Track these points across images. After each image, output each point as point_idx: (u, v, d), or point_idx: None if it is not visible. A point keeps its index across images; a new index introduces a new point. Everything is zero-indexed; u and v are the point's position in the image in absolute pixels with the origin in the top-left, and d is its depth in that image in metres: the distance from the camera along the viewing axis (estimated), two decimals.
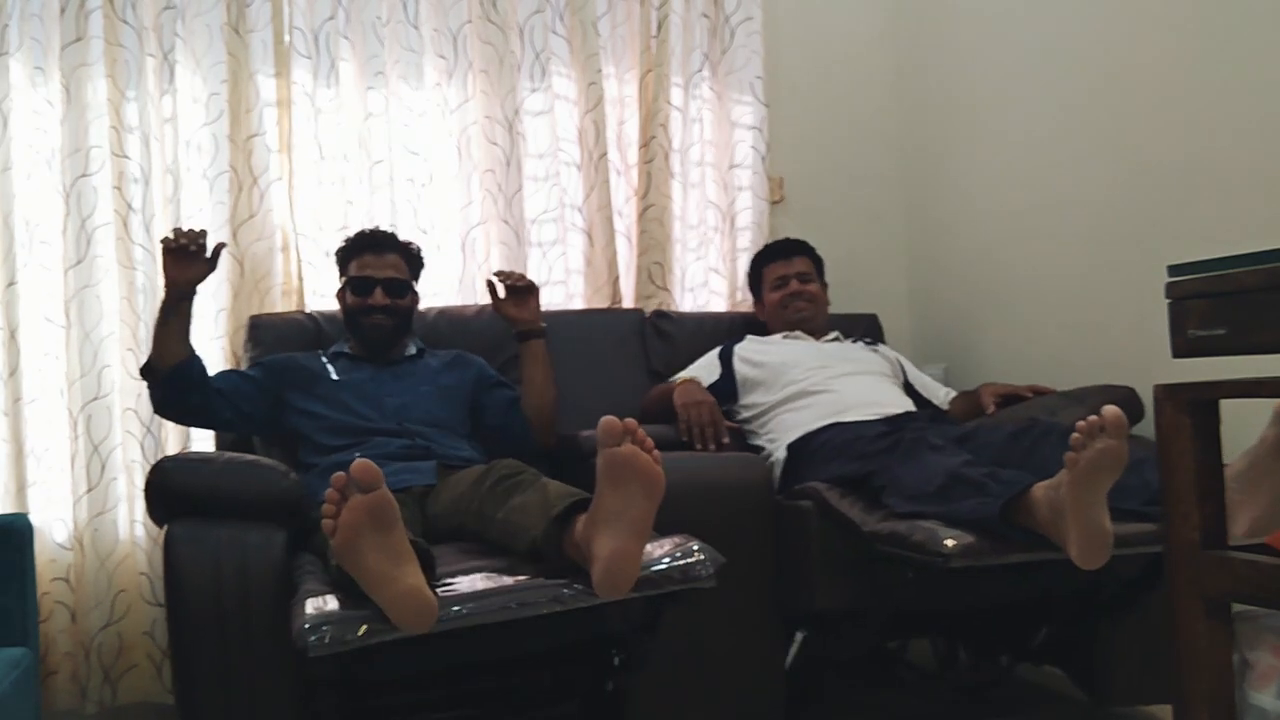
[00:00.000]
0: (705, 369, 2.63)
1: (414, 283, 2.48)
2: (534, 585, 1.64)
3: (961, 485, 1.84)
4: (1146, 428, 1.77)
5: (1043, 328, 2.71)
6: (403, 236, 2.53)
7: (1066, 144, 2.61)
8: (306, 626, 1.52)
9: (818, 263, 2.84)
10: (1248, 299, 1.28)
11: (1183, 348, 1.37)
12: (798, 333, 2.72)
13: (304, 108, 2.74)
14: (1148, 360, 2.07)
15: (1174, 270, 1.39)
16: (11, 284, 2.54)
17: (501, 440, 2.38)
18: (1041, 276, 2.72)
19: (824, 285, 2.83)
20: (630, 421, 1.60)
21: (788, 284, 2.75)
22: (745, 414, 2.56)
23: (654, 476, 1.59)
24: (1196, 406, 1.37)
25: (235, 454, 2.14)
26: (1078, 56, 2.57)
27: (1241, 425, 1.48)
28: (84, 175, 2.59)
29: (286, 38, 2.74)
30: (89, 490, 2.53)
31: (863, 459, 2.09)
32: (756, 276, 2.85)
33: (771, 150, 3.09)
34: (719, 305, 3.06)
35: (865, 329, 2.91)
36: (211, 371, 2.29)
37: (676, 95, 3.01)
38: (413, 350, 2.47)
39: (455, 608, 1.56)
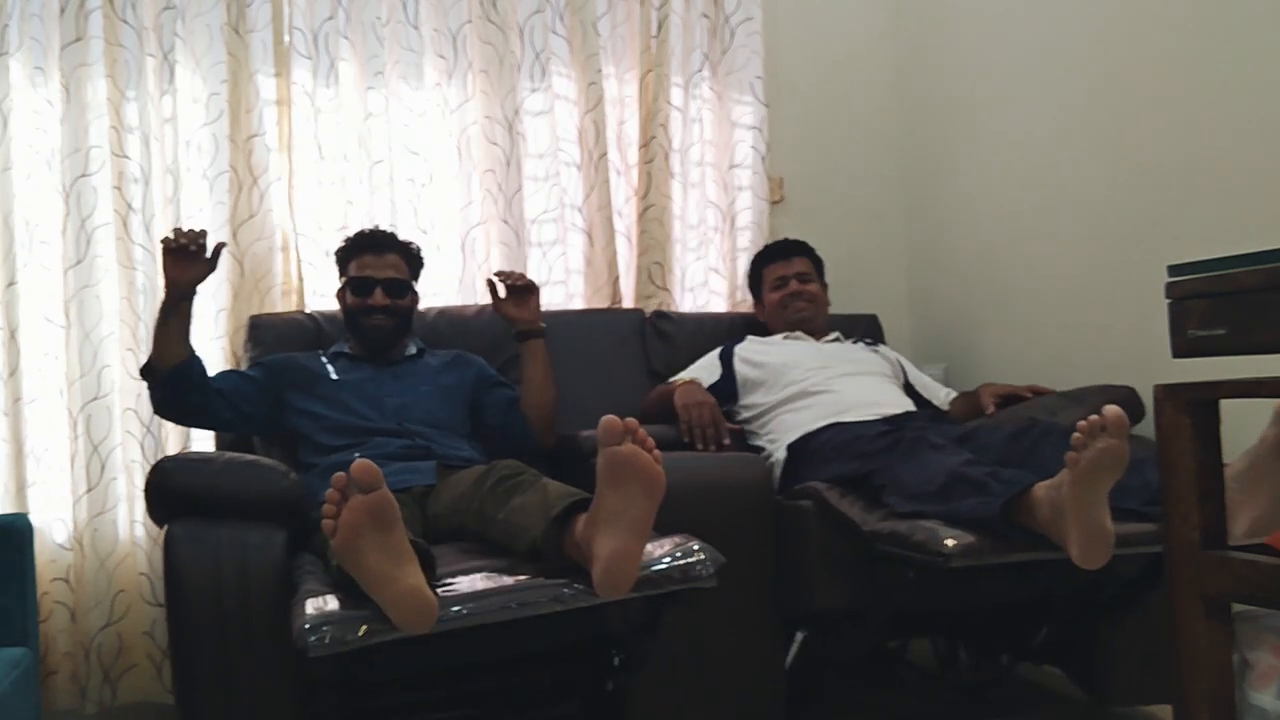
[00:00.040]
0: (706, 369, 2.63)
1: (414, 283, 2.48)
2: (534, 585, 1.64)
3: (962, 484, 1.84)
4: (1146, 428, 1.77)
5: (1043, 328, 2.71)
6: (403, 236, 2.53)
7: (1066, 144, 2.61)
8: (307, 626, 1.52)
9: (817, 263, 2.84)
10: (1248, 299, 1.28)
11: (1183, 348, 1.37)
12: (798, 333, 2.72)
13: (304, 108, 2.74)
14: (1148, 360, 2.07)
15: (1174, 270, 1.39)
16: (11, 284, 2.54)
17: (501, 440, 2.38)
18: (1041, 276, 2.72)
19: (824, 285, 2.83)
20: (631, 421, 1.60)
21: (787, 284, 2.75)
22: (745, 414, 2.56)
23: (655, 476, 1.59)
24: (1196, 406, 1.37)
25: (235, 454, 2.14)
26: (1078, 56, 2.57)
27: (1241, 425, 1.48)
28: (84, 175, 2.59)
29: (286, 38, 2.74)
30: (89, 490, 2.53)
31: (863, 458, 2.09)
32: (756, 277, 2.85)
33: (771, 150, 3.09)
34: (719, 305, 3.06)
35: (865, 329, 2.91)
36: (211, 371, 2.30)
37: (676, 95, 3.01)
38: (413, 350, 2.47)
39: (455, 608, 1.56)
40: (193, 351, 2.23)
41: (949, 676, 2.59)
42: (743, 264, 3.01)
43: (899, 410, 2.42)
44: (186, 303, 2.19)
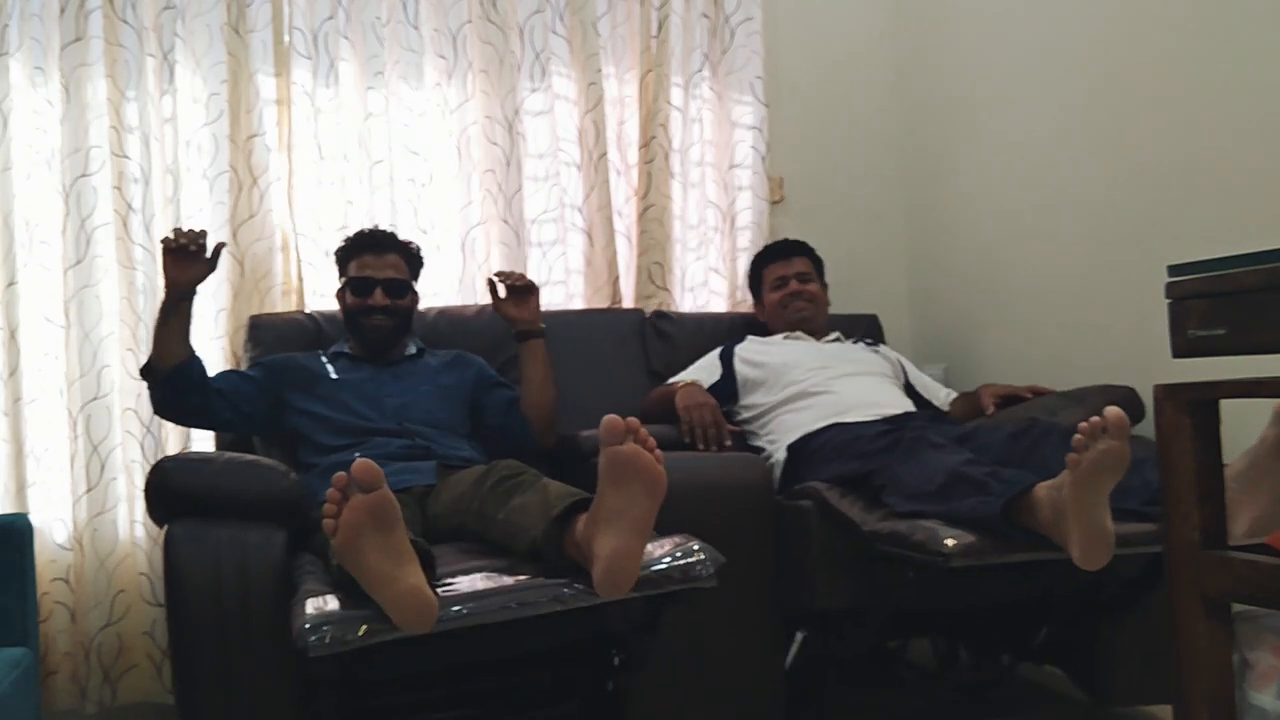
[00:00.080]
0: (706, 370, 2.63)
1: (414, 283, 2.48)
2: (534, 585, 1.64)
3: (963, 484, 1.84)
4: (1147, 428, 1.77)
5: (1043, 328, 2.71)
6: (403, 236, 2.53)
7: (1066, 144, 2.61)
8: (307, 626, 1.52)
9: (817, 263, 2.84)
10: (1248, 299, 1.28)
11: (1183, 348, 1.37)
12: (798, 333, 2.72)
13: (304, 108, 2.74)
14: (1148, 360, 2.07)
15: (1174, 270, 1.39)
16: (11, 284, 2.54)
17: (501, 440, 2.38)
18: (1041, 276, 2.72)
19: (824, 285, 2.83)
20: (633, 420, 1.59)
21: (787, 284, 2.75)
22: (745, 414, 2.56)
23: (656, 476, 1.59)
24: (1196, 406, 1.37)
25: (235, 454, 2.14)
26: (1078, 56, 2.57)
27: (1241, 425, 1.48)
28: (84, 175, 2.59)
29: (286, 38, 2.74)
30: (89, 490, 2.53)
31: (863, 458, 2.09)
32: (756, 277, 2.85)
33: (771, 150, 3.09)
34: (719, 305, 3.06)
35: (865, 329, 2.91)
36: (211, 371, 2.30)
37: (676, 95, 3.01)
38: (413, 350, 2.47)
39: (456, 608, 1.56)
40: (193, 351, 2.23)
41: (949, 676, 2.59)
42: (743, 264, 3.01)
43: (899, 410, 2.42)
44: (186, 303, 2.19)
